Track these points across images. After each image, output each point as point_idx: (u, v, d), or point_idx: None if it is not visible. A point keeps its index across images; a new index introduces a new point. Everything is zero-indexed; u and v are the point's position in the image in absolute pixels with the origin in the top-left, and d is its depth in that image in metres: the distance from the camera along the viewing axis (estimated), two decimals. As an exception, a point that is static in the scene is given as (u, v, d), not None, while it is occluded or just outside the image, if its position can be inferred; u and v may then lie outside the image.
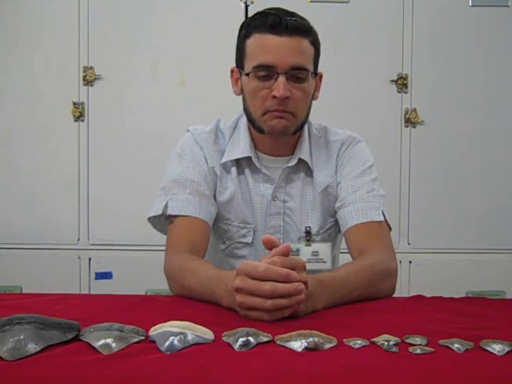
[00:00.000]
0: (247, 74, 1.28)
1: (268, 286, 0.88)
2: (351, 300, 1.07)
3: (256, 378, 0.66)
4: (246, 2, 2.40)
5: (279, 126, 1.28)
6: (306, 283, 0.92)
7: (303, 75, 1.26)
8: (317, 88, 1.36)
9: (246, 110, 1.34)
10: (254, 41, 1.27)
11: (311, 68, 1.29)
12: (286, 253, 0.93)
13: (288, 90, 1.24)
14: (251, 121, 1.33)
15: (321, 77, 1.37)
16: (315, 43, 1.30)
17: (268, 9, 1.29)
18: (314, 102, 1.38)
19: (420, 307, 1.05)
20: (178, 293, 1.18)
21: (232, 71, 1.36)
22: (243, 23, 1.32)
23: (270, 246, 0.96)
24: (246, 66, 1.29)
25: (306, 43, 1.26)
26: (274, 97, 1.24)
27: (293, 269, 0.91)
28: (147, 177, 2.28)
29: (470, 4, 2.43)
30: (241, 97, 1.35)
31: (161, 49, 2.43)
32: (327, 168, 1.39)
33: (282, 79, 1.24)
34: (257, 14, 1.29)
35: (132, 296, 1.14)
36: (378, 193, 1.36)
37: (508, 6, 2.43)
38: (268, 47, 1.24)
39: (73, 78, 2.41)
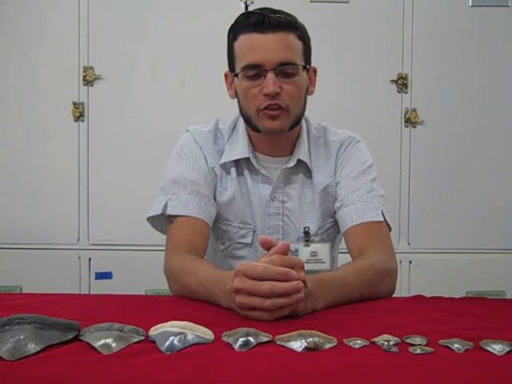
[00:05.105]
0: (237, 75, 1.29)
1: (267, 286, 0.88)
2: (351, 300, 1.07)
3: (256, 378, 0.66)
4: (246, 2, 2.40)
5: (273, 128, 1.28)
6: (304, 282, 0.93)
7: (292, 70, 1.26)
8: (311, 83, 1.35)
9: (241, 111, 1.34)
10: (241, 42, 1.28)
11: (300, 62, 1.28)
12: (285, 251, 0.94)
13: (278, 85, 1.24)
14: (247, 121, 1.33)
15: (315, 71, 1.36)
16: (303, 37, 1.29)
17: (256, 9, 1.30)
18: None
19: (420, 307, 1.05)
20: (178, 293, 1.18)
21: (226, 75, 1.36)
22: (230, 27, 1.32)
23: (267, 246, 0.96)
24: (236, 68, 1.30)
25: (291, 38, 1.26)
26: (266, 94, 1.25)
27: (291, 267, 0.91)
28: (147, 177, 2.27)
29: (470, 4, 2.43)
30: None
31: (161, 49, 2.43)
32: (326, 168, 1.39)
33: (270, 76, 1.24)
34: (241, 15, 1.30)
35: (132, 296, 1.14)
36: (378, 193, 1.36)
37: (508, 6, 2.43)
38: (254, 46, 1.25)
39: (73, 78, 2.41)
